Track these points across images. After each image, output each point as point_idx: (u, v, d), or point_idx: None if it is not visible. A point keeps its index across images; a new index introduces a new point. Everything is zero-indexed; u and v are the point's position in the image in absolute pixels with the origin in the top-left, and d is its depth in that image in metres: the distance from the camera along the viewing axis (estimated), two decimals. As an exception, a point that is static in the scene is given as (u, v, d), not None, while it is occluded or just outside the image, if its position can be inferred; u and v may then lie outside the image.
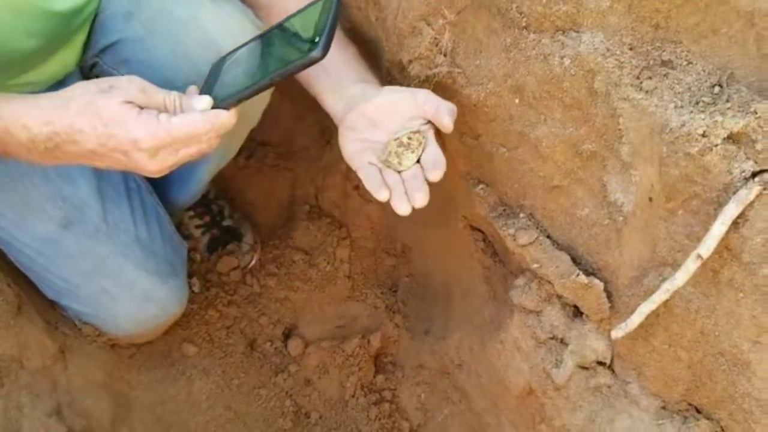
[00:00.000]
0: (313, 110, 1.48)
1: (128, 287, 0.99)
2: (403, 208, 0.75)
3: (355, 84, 0.82)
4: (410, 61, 0.82)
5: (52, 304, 1.04)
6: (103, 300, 0.99)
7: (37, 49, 0.81)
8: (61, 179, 0.95)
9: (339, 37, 0.85)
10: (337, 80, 0.83)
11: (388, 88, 0.81)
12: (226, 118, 0.70)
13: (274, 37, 0.74)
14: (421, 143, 0.77)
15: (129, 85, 0.69)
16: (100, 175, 0.98)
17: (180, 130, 0.68)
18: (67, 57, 0.87)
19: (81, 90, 0.70)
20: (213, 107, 0.70)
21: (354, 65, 0.85)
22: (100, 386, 0.99)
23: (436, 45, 0.78)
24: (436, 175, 0.76)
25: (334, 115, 0.84)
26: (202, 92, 0.73)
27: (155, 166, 0.71)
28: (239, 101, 0.70)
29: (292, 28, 0.72)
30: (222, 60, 0.76)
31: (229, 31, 0.80)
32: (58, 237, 0.96)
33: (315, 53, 0.65)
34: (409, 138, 0.77)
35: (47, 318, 1.03)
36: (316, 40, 0.66)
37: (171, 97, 0.71)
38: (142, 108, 0.69)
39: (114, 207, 0.98)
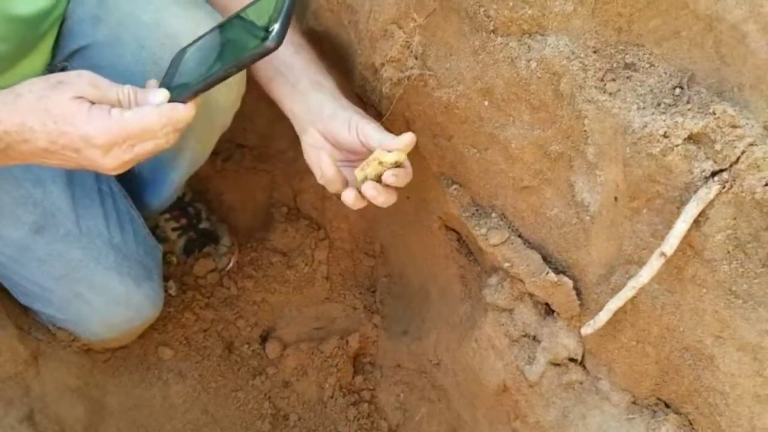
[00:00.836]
0: (290, 112, 1.50)
1: (102, 291, 0.98)
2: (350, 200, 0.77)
3: (311, 91, 0.82)
4: (382, 64, 0.83)
5: (25, 310, 1.03)
6: (76, 304, 0.98)
7: (3, 54, 0.80)
8: (32, 184, 0.95)
9: (296, 41, 0.85)
10: (294, 85, 0.83)
11: (339, 113, 0.81)
12: (183, 111, 0.69)
13: (232, 27, 0.73)
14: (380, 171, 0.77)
15: (79, 80, 0.67)
16: (72, 180, 0.97)
17: (133, 124, 0.66)
18: (35, 62, 0.87)
19: (30, 86, 0.68)
20: (170, 100, 0.69)
21: (312, 69, 0.85)
22: (73, 391, 0.99)
23: (408, 48, 0.79)
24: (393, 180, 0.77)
25: (294, 122, 0.84)
26: (161, 85, 0.71)
27: (110, 163, 0.69)
28: (196, 94, 0.69)
29: (249, 18, 0.71)
30: (182, 52, 0.74)
31: (195, 35, 0.80)
32: (30, 242, 0.95)
33: (269, 43, 0.65)
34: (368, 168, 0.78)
35: (20, 324, 1.02)
36: (271, 29, 0.65)
37: (125, 91, 0.69)
38: (93, 103, 0.67)
39: (86, 211, 0.98)
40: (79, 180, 0.98)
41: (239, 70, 0.68)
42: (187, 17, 0.81)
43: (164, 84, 0.71)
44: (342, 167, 0.82)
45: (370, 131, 0.78)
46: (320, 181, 0.83)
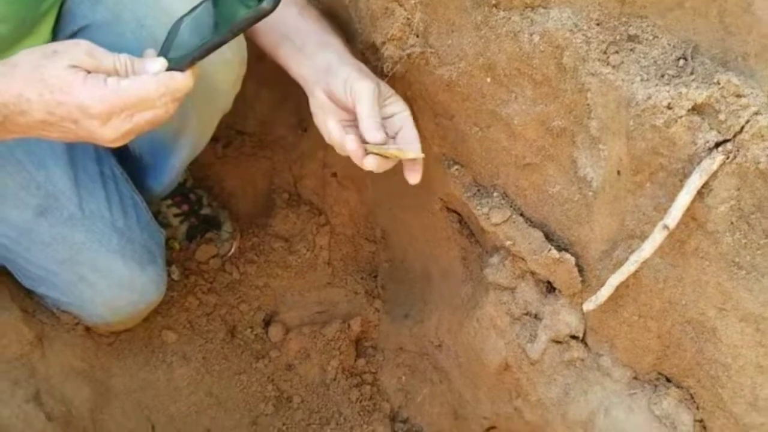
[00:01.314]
0: (291, 99, 1.49)
1: (106, 274, 0.98)
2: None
3: (318, 51, 0.81)
4: (383, 43, 0.83)
5: (29, 293, 1.03)
6: (80, 287, 0.99)
7: (3, 35, 0.80)
8: (35, 167, 0.95)
9: (299, 2, 0.84)
10: (300, 49, 0.82)
11: (340, 71, 0.79)
12: (181, 79, 0.68)
13: None
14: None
15: (75, 49, 0.67)
16: (74, 163, 0.97)
17: (130, 93, 0.65)
18: (35, 42, 0.86)
19: (27, 57, 0.67)
20: (168, 69, 0.68)
21: (317, 29, 0.84)
22: (78, 373, 0.99)
23: (409, 25, 0.78)
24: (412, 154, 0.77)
25: (303, 84, 0.83)
26: (159, 55, 0.71)
27: (109, 134, 0.68)
28: (193, 61, 0.68)
29: None
30: (179, 22, 0.74)
31: None
32: (34, 225, 0.95)
33: (265, 5, 0.64)
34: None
35: (24, 306, 1.03)
36: None
37: (122, 60, 0.68)
38: (89, 72, 0.66)
39: (89, 195, 0.98)
40: (81, 163, 0.98)
41: (236, 35, 0.67)
42: None
43: (162, 54, 0.71)
44: (348, 127, 0.80)
45: (361, 96, 0.76)
46: (328, 143, 0.82)
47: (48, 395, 0.92)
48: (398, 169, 1.18)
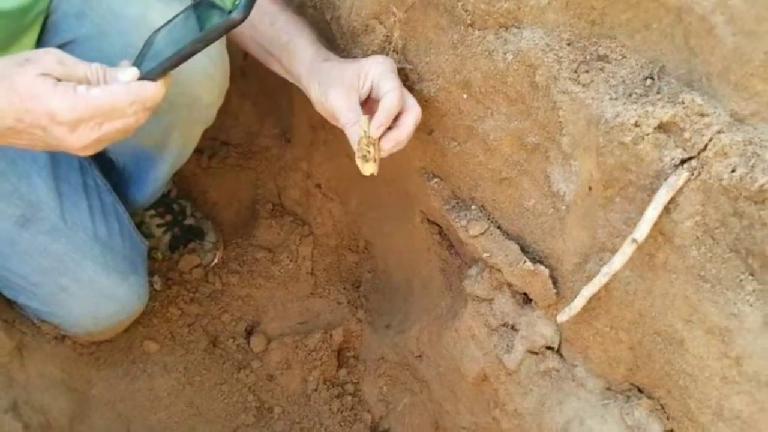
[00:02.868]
0: (275, 110, 1.51)
1: (87, 285, 0.99)
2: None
3: (296, 60, 0.84)
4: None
5: (10, 303, 1.03)
6: (61, 298, 0.99)
7: None
8: (18, 178, 0.95)
9: (270, 10, 0.85)
10: (278, 60, 0.86)
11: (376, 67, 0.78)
12: (152, 89, 0.67)
13: (203, 5, 0.72)
14: (377, 151, 0.77)
15: (45, 57, 0.67)
16: (57, 174, 0.98)
17: (100, 101, 0.65)
18: None
19: None
20: (140, 79, 0.68)
21: (292, 33, 0.85)
22: (58, 383, 0.99)
23: (389, 42, 0.80)
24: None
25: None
26: (133, 65, 0.71)
27: (77, 142, 0.67)
28: (164, 71, 0.68)
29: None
30: (154, 34, 0.74)
31: None
32: (15, 235, 0.95)
33: (234, 15, 0.64)
34: (367, 150, 0.77)
35: (4, 317, 1.03)
36: (237, 2, 0.64)
37: (93, 69, 0.67)
38: (60, 80, 0.66)
39: (72, 205, 0.98)
40: (64, 174, 0.99)
41: (206, 44, 0.67)
42: (170, 11, 0.82)
43: (136, 64, 0.71)
44: None
45: (336, 110, 0.77)
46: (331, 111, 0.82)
47: (26, 405, 0.92)
48: (381, 180, 1.21)
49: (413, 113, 0.77)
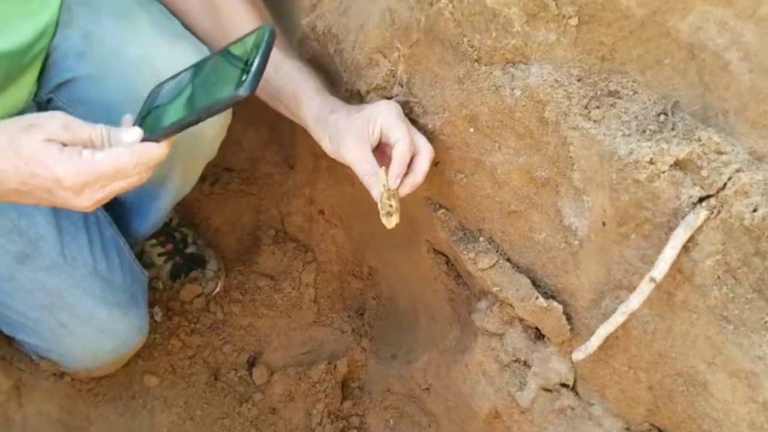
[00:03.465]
0: (277, 136, 1.50)
1: (87, 320, 0.97)
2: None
3: (303, 108, 0.83)
4: (368, 92, 0.83)
5: (8, 340, 1.01)
6: (60, 334, 0.97)
7: None
8: (17, 213, 0.93)
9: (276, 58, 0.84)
10: (286, 106, 0.85)
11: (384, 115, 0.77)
12: (155, 150, 0.69)
13: (211, 65, 0.72)
14: (397, 201, 0.76)
15: (50, 122, 0.67)
16: (58, 210, 0.96)
17: (105, 165, 0.66)
18: (18, 94, 0.86)
19: (1, 128, 0.67)
20: (144, 139, 0.69)
21: (299, 79, 0.84)
22: (56, 422, 0.97)
23: (393, 76, 0.79)
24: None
25: (312, 115, 0.84)
26: (136, 121, 0.71)
27: (83, 203, 0.69)
28: (167, 135, 0.69)
29: (229, 57, 0.70)
30: (160, 86, 0.74)
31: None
32: (15, 271, 0.93)
33: (241, 92, 0.64)
34: (389, 205, 0.76)
35: (2, 353, 1.01)
36: (244, 78, 0.64)
37: (97, 131, 0.69)
38: (65, 145, 0.67)
39: (71, 240, 0.96)
40: (63, 209, 0.97)
41: (210, 116, 0.67)
42: (173, 53, 0.81)
43: (139, 119, 0.71)
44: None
45: (350, 162, 0.77)
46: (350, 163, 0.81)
47: (24, 448, 0.89)
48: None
49: (426, 155, 0.77)
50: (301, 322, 1.33)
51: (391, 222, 0.77)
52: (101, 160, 0.66)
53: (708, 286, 0.62)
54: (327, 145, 0.80)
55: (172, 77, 0.73)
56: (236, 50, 0.69)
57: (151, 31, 0.84)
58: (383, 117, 0.76)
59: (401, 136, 0.75)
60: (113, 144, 0.68)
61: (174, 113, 0.68)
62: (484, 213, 0.85)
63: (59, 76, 0.86)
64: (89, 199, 0.68)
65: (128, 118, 0.71)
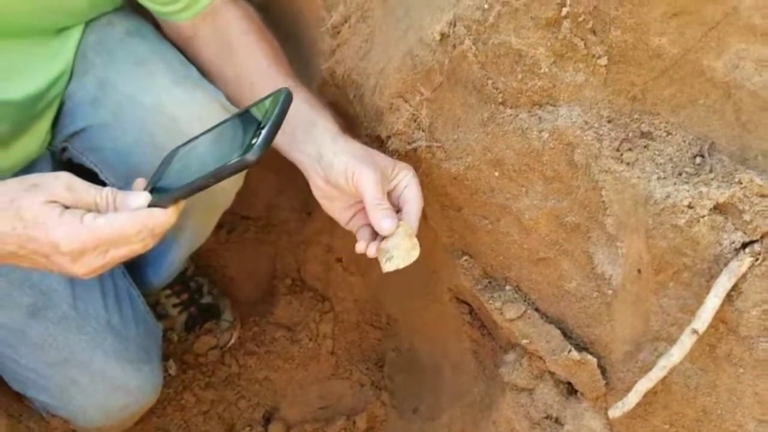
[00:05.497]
0: (294, 183, 1.49)
1: (98, 377, 0.94)
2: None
3: (308, 135, 0.78)
4: (389, 137, 0.81)
5: (18, 396, 0.98)
6: (72, 391, 0.94)
7: None
8: (30, 265, 0.92)
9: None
10: (291, 133, 0.79)
11: (344, 162, 0.74)
12: (162, 217, 0.65)
13: (226, 128, 0.70)
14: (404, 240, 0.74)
15: (54, 183, 0.65)
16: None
17: (106, 231, 0.63)
18: (32, 142, 0.85)
19: (4, 187, 0.65)
20: (151, 204, 0.66)
21: (303, 111, 0.80)
22: (65, 485, 0.93)
23: (414, 121, 0.77)
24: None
25: (301, 169, 0.80)
26: (148, 185, 0.68)
27: (80, 270, 0.65)
28: (176, 200, 0.66)
29: (244, 120, 0.68)
30: (175, 150, 0.72)
31: (197, 117, 0.78)
32: (25, 326, 0.91)
33: (249, 156, 0.61)
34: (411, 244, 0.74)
35: (11, 411, 0.97)
36: (253, 142, 0.61)
37: (103, 195, 0.65)
38: (67, 207, 0.64)
39: (84, 292, 0.94)
40: (77, 260, 0.95)
41: (219, 180, 0.64)
42: (188, 100, 0.80)
43: (151, 183, 0.69)
44: (359, 212, 0.77)
45: (364, 187, 0.72)
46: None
47: None
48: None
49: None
50: (318, 375, 1.29)
51: (408, 259, 0.75)
52: (102, 225, 0.63)
53: (754, 338, 0.58)
54: (340, 165, 0.74)
55: (189, 140, 0.71)
56: (253, 112, 0.67)
57: (167, 78, 0.84)
58: (410, 175, 0.76)
59: (419, 196, 0.76)
60: (119, 208, 0.65)
61: (184, 178, 0.66)
62: (511, 260, 0.82)
63: (74, 125, 0.86)
64: (87, 266, 0.65)
65: (141, 181, 0.69)
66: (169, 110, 0.79)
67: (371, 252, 0.75)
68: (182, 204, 0.67)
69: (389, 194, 0.76)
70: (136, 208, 0.65)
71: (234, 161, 0.62)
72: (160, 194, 0.66)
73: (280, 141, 0.80)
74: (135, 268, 1.06)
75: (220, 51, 0.85)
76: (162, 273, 1.06)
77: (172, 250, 1.00)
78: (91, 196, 0.65)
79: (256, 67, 0.83)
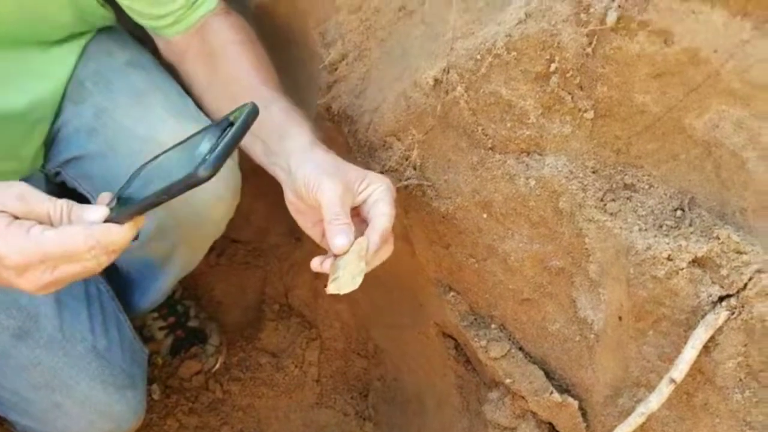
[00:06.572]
0: (284, 208, 1.50)
1: (82, 401, 0.93)
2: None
3: (280, 147, 0.75)
4: (381, 173, 0.83)
5: (0, 421, 0.97)
6: (55, 416, 0.93)
7: None
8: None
9: (266, 95, 0.78)
10: (267, 145, 0.77)
11: (305, 173, 0.69)
12: (117, 233, 0.60)
13: (188, 143, 0.66)
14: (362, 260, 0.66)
15: (5, 192, 0.61)
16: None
17: (52, 245, 0.59)
18: (20, 168, 0.85)
19: None
20: (109, 219, 0.61)
21: (280, 121, 0.77)
22: None
23: (406, 159, 0.79)
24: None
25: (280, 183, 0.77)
26: (112, 200, 0.65)
27: (27, 285, 0.61)
28: (131, 215, 0.61)
29: (207, 135, 0.63)
30: (143, 166, 0.68)
31: None
32: (11, 348, 0.91)
33: (200, 171, 0.56)
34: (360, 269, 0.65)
35: (-7, 435, 0.97)
36: (207, 157, 0.57)
37: (58, 206, 0.61)
38: (17, 218, 0.60)
39: (71, 316, 0.94)
40: (66, 284, 0.95)
41: (171, 197, 0.59)
42: (180, 130, 0.80)
43: (115, 198, 0.65)
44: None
45: (321, 199, 0.67)
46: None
47: None
48: (393, 286, 1.17)
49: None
50: (302, 404, 1.29)
51: (352, 285, 0.65)
52: (50, 238, 0.59)
53: (730, 389, 0.59)
54: (305, 175, 0.69)
55: (156, 156, 0.68)
56: (215, 127, 0.63)
57: (162, 109, 0.85)
58: (380, 187, 0.70)
59: (387, 213, 0.68)
60: (74, 221, 0.61)
61: (145, 192, 0.62)
62: (497, 299, 0.83)
63: (69, 152, 0.86)
64: (33, 282, 0.61)
65: (105, 195, 0.65)
66: (162, 140, 0.78)
67: (325, 267, 0.68)
68: (141, 220, 0.62)
69: (358, 209, 0.71)
70: (92, 222, 0.61)
71: (183, 176, 0.57)
72: (120, 208, 0.62)
73: (257, 153, 0.78)
74: (122, 291, 1.07)
75: (209, 62, 0.84)
76: (149, 298, 1.06)
77: (161, 276, 1.00)
78: (44, 208, 0.61)
79: (238, 76, 0.82)
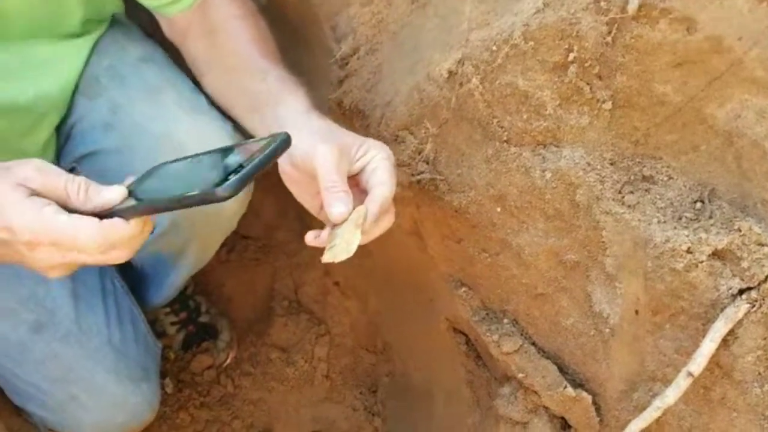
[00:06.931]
0: (294, 204, 1.49)
1: (98, 394, 0.94)
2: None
3: (274, 116, 0.72)
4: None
5: (17, 410, 0.98)
6: (71, 407, 0.94)
7: None
8: (34, 281, 0.92)
9: (262, 66, 0.77)
10: (262, 115, 0.75)
11: (302, 139, 0.66)
12: (122, 228, 0.59)
13: (215, 156, 0.64)
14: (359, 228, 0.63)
15: (25, 165, 0.60)
16: (75, 277, 0.95)
17: (61, 231, 0.58)
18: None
19: None
20: (115, 213, 0.60)
21: (275, 89, 0.75)
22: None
23: (419, 153, 0.79)
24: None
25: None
26: (130, 186, 0.64)
27: (39, 262, 0.60)
28: (138, 215, 0.60)
29: (236, 152, 0.62)
30: (162, 165, 0.68)
31: (206, 145, 0.79)
32: (28, 341, 0.92)
33: (219, 191, 0.55)
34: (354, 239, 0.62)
35: (10, 425, 0.98)
36: (230, 177, 0.56)
37: (76, 182, 0.60)
38: (35, 190, 0.59)
39: (88, 309, 0.95)
40: (82, 277, 0.96)
41: (182, 207, 0.59)
42: (195, 127, 0.80)
43: (132, 185, 0.64)
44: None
45: (316, 165, 0.64)
46: None
47: None
48: (403, 281, 1.17)
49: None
50: (312, 398, 1.29)
51: (346, 253, 0.62)
52: (60, 222, 0.58)
53: (748, 383, 0.59)
54: (301, 142, 0.65)
55: (179, 159, 0.67)
56: (245, 147, 0.62)
57: (176, 106, 0.85)
58: (380, 154, 0.67)
59: (387, 181, 0.65)
60: (91, 198, 0.60)
61: (155, 194, 0.61)
62: (509, 294, 0.83)
63: (84, 147, 0.87)
64: (47, 259, 0.60)
65: (130, 177, 0.64)
66: (177, 137, 0.79)
67: (319, 241, 0.65)
68: (149, 219, 0.62)
69: (357, 176, 0.68)
70: (109, 200, 0.60)
71: (201, 192, 0.57)
72: (123, 208, 0.61)
73: (254, 124, 0.76)
74: (136, 286, 1.07)
75: (210, 38, 0.83)
76: (162, 293, 1.07)
77: (174, 272, 1.01)
78: (62, 180, 0.60)
79: (237, 50, 0.81)
